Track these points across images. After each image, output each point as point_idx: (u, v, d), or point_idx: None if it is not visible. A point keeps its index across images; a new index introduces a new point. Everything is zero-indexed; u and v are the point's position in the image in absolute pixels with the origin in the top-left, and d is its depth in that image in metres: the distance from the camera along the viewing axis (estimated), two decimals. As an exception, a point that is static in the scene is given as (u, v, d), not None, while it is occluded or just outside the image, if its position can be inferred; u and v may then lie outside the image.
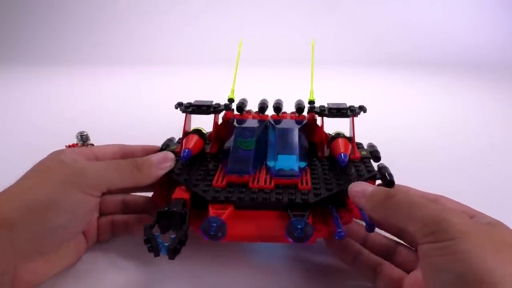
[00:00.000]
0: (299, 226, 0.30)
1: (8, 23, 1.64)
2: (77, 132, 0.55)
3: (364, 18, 1.61)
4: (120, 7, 1.64)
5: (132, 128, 0.76)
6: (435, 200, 0.33)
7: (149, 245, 0.29)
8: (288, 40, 1.48)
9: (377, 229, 0.36)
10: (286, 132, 0.42)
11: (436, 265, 0.23)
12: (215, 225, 0.30)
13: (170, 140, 0.45)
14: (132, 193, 0.42)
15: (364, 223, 0.33)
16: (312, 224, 0.32)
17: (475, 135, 0.73)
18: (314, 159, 0.42)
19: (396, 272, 0.32)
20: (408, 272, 0.31)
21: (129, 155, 0.39)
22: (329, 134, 0.46)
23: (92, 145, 0.56)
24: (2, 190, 0.30)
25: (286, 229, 0.31)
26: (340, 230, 0.31)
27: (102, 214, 0.39)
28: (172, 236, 0.30)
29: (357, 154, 0.42)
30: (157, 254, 0.29)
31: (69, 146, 0.56)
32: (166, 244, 0.29)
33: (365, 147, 0.45)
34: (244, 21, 1.59)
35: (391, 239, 0.36)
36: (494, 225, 0.26)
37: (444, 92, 1.08)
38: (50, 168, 0.32)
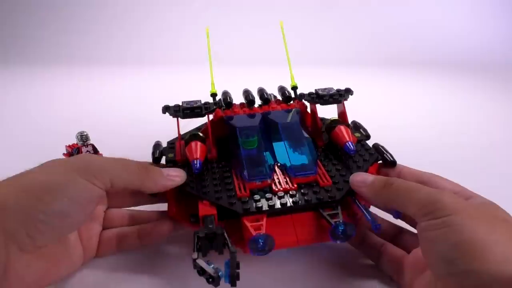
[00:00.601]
0: (341, 228, 0.32)
1: (8, 23, 1.64)
2: (77, 132, 0.55)
3: (363, 18, 1.61)
4: (120, 7, 1.64)
5: (132, 128, 0.76)
6: (430, 179, 0.35)
7: (207, 276, 0.28)
8: (288, 40, 1.48)
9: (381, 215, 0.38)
10: (290, 128, 0.41)
11: (433, 238, 0.26)
12: (262, 241, 0.31)
13: (158, 145, 0.44)
14: (138, 209, 0.40)
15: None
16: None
17: (475, 135, 0.73)
18: (316, 149, 0.42)
19: (398, 251, 0.34)
20: (409, 252, 0.33)
21: None
22: (322, 118, 0.45)
23: (92, 145, 0.56)
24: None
25: (330, 234, 0.32)
26: (377, 223, 0.32)
27: (106, 228, 0.37)
28: (227, 261, 0.28)
29: (354, 137, 0.42)
30: (217, 284, 0.28)
31: (69, 146, 0.56)
32: (224, 272, 0.28)
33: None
34: (243, 21, 1.59)
35: (396, 225, 0.38)
36: (487, 203, 0.29)
37: (444, 92, 1.07)
38: (52, 162, 0.31)
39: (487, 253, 0.23)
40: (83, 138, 0.55)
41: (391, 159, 0.39)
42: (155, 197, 0.38)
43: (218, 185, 0.37)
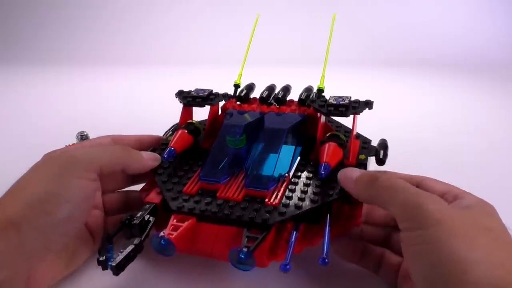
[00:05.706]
0: (241, 256, 0.28)
1: (8, 23, 1.64)
2: (77, 132, 0.55)
3: (364, 18, 1.61)
4: (120, 7, 1.64)
5: (132, 128, 0.75)
6: (420, 182, 0.34)
7: (97, 257, 0.29)
8: (288, 40, 1.48)
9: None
10: (273, 134, 0.39)
11: (413, 253, 0.25)
12: (164, 243, 0.30)
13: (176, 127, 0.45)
14: (134, 190, 0.41)
15: None
16: (270, 247, 0.31)
17: (475, 135, 0.73)
18: (303, 162, 0.38)
19: (395, 258, 0.33)
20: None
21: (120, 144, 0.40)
22: (333, 124, 0.43)
23: (92, 145, 0.56)
24: (3, 193, 0.30)
25: (229, 255, 0.29)
26: (286, 263, 0.29)
27: (108, 214, 0.39)
28: (121, 251, 0.30)
29: (352, 159, 0.37)
30: (104, 268, 0.29)
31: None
32: (112, 260, 0.29)
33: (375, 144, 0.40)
34: (243, 21, 1.59)
35: (384, 228, 0.37)
36: (470, 208, 0.27)
37: (444, 92, 1.07)
38: (42, 164, 0.32)
39: (467, 275, 0.22)
40: (83, 138, 0.55)
41: None
42: (140, 179, 0.41)
43: (180, 177, 0.37)
